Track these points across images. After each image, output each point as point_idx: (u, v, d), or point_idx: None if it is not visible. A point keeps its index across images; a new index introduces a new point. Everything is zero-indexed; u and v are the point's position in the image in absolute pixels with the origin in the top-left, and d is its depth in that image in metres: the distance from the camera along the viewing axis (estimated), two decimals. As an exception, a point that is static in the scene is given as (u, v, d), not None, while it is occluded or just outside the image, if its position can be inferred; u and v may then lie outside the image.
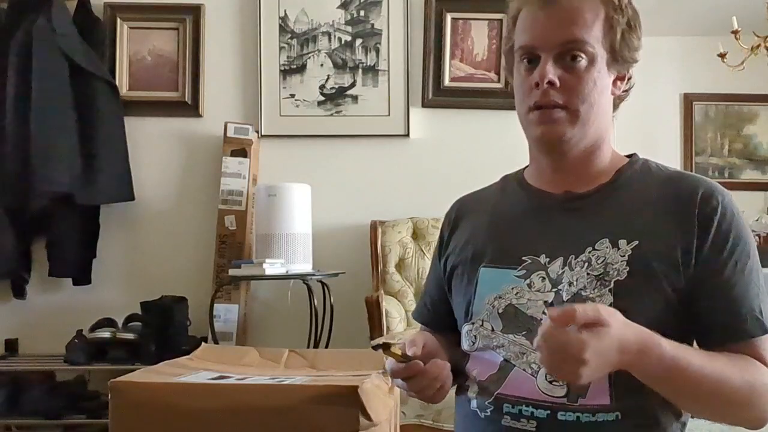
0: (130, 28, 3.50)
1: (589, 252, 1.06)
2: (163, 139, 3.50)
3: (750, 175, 5.74)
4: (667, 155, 5.45)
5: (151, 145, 3.48)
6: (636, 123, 4.56)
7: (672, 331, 0.98)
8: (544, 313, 1.05)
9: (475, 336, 1.13)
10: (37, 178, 3.09)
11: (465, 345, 1.15)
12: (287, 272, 3.02)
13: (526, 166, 1.22)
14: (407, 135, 3.49)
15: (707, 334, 1.04)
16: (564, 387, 1.02)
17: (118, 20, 3.48)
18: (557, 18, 1.06)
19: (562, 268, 1.07)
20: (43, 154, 3.10)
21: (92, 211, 3.37)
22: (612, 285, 1.03)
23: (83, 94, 3.24)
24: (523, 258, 1.10)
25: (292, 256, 3.06)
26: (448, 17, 3.52)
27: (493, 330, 1.10)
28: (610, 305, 1.01)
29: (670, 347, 0.95)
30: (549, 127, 1.08)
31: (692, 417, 1.11)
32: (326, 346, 3.11)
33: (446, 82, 3.51)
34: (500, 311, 1.10)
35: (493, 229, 1.18)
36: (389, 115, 3.50)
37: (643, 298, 1.02)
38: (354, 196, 3.48)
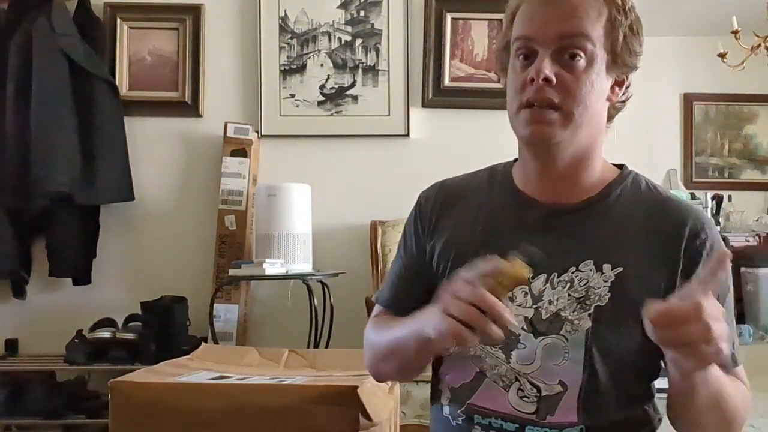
0: (130, 28, 3.49)
1: (572, 272, 1.04)
2: (163, 139, 3.50)
3: (750, 175, 5.73)
4: (667, 155, 5.45)
5: (151, 145, 3.48)
6: (636, 123, 4.55)
7: (647, 361, 0.98)
8: (523, 329, 1.04)
9: None
10: (37, 178, 3.09)
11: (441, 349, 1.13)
12: (287, 272, 3.01)
13: (515, 160, 1.17)
14: (407, 135, 3.49)
15: None
16: (534, 404, 1.03)
17: (118, 20, 3.47)
18: (559, 11, 1.03)
19: (544, 285, 1.05)
20: (43, 154, 3.10)
21: (92, 211, 3.37)
22: (592, 310, 1.02)
23: (83, 94, 3.24)
24: None
25: (292, 256, 3.06)
26: (448, 17, 3.52)
27: None
28: (588, 330, 1.01)
29: None
30: (539, 128, 1.03)
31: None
32: (326, 346, 3.11)
33: (446, 82, 3.51)
34: None
35: (477, 232, 1.13)
36: (389, 115, 3.50)
37: (621, 326, 1.01)
38: (354, 196, 3.48)
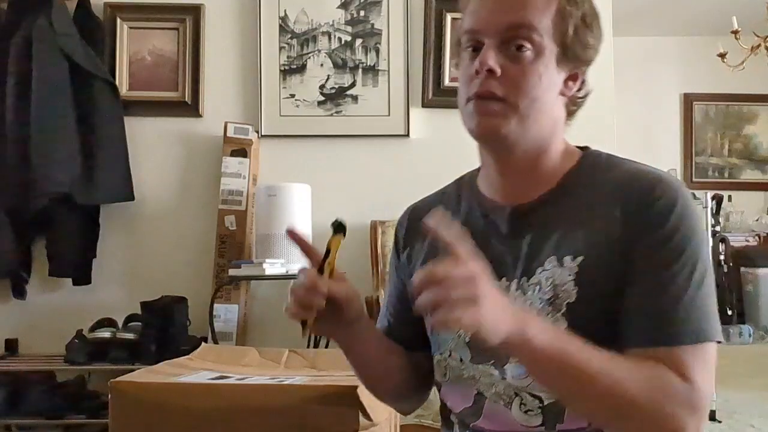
0: (130, 28, 3.50)
1: (540, 273, 0.99)
2: (163, 139, 3.50)
3: (750, 175, 5.75)
4: (667, 155, 5.46)
5: (151, 145, 3.48)
6: (636, 123, 4.57)
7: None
8: None
9: (445, 367, 1.09)
10: (37, 178, 3.09)
11: (437, 375, 1.12)
12: (287, 272, 3.02)
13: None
14: (407, 135, 3.49)
15: (630, 334, 0.94)
16: (539, 415, 0.99)
17: (118, 20, 3.47)
18: (505, 2, 1.00)
19: (516, 292, 1.01)
20: (43, 154, 3.10)
21: (92, 211, 3.37)
22: (564, 308, 0.96)
23: (83, 94, 3.24)
24: None
25: (292, 256, 3.06)
26: (448, 17, 3.52)
27: (461, 360, 1.06)
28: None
29: (548, 331, 0.89)
30: (485, 120, 0.99)
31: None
32: (326, 346, 3.11)
33: (446, 82, 3.51)
34: (467, 340, 1.05)
35: None
36: (389, 115, 3.50)
37: (594, 322, 0.95)
38: (354, 196, 3.48)
